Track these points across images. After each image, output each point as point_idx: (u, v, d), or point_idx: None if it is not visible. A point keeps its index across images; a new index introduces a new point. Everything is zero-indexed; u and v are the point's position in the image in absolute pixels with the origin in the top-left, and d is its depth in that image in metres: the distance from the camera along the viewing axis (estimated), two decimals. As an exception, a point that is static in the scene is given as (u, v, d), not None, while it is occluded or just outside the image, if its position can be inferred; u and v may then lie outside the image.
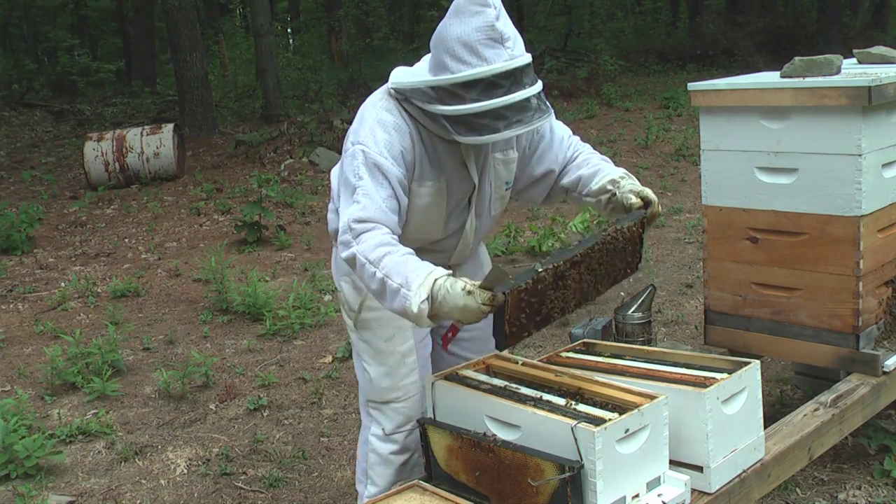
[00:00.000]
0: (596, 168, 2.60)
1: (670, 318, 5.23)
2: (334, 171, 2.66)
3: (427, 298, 2.14)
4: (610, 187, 2.54)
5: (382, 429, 2.67)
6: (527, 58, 2.27)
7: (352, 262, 2.26)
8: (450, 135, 2.33)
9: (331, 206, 2.66)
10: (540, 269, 2.17)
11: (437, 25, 2.33)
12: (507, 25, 2.24)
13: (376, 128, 2.35)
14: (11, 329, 5.87)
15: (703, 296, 3.43)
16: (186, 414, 4.42)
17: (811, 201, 2.98)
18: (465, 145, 2.42)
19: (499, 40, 2.22)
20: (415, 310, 2.14)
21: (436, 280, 2.16)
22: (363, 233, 2.24)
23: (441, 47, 2.26)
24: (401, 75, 2.41)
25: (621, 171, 2.59)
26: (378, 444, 2.68)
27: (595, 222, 6.56)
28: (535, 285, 2.16)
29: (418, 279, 2.15)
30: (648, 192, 2.50)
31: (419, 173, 2.41)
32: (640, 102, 14.16)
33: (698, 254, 6.23)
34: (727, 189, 3.18)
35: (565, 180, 2.63)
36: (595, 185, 2.57)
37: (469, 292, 2.11)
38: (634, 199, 2.47)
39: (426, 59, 2.41)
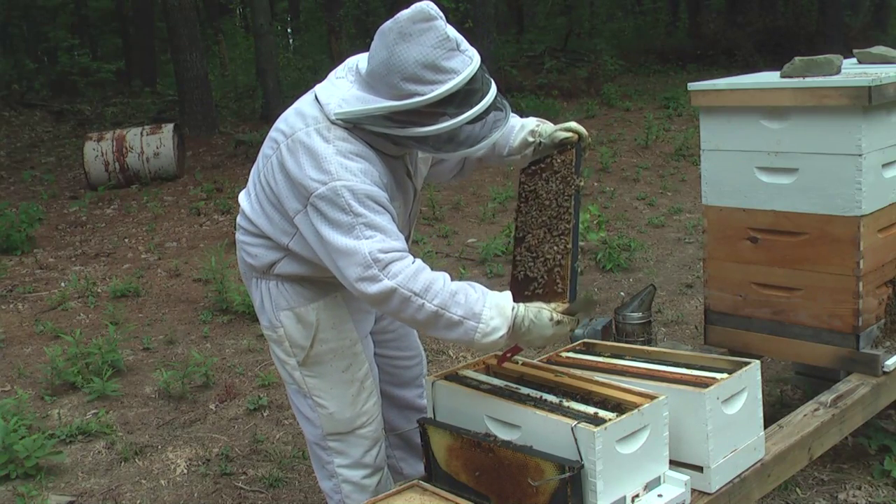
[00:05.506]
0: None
1: (670, 318, 5.23)
2: (247, 206, 2.47)
3: (508, 330, 2.16)
4: (531, 139, 2.57)
5: (350, 457, 2.59)
6: (476, 53, 2.20)
7: (386, 296, 2.13)
8: (433, 153, 2.28)
9: (246, 238, 2.48)
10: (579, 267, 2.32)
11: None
12: (452, 29, 2.16)
13: (343, 160, 2.18)
14: (11, 329, 5.87)
15: (703, 296, 3.43)
16: (186, 414, 4.42)
17: (811, 201, 2.98)
18: (410, 155, 2.39)
19: (456, 48, 2.13)
20: (486, 342, 2.15)
21: (514, 311, 2.18)
22: (391, 263, 2.13)
23: (397, 75, 2.12)
24: (340, 104, 2.23)
25: (530, 119, 2.61)
26: (349, 473, 2.60)
27: (595, 222, 6.55)
28: None
29: (489, 311, 2.15)
30: (571, 123, 2.56)
31: (391, 193, 2.29)
32: (640, 102, 14.17)
33: (698, 254, 6.23)
34: (727, 189, 3.18)
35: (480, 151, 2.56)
36: (515, 142, 2.58)
37: (558, 322, 2.18)
38: (565, 134, 2.52)
39: (348, 81, 2.27)
